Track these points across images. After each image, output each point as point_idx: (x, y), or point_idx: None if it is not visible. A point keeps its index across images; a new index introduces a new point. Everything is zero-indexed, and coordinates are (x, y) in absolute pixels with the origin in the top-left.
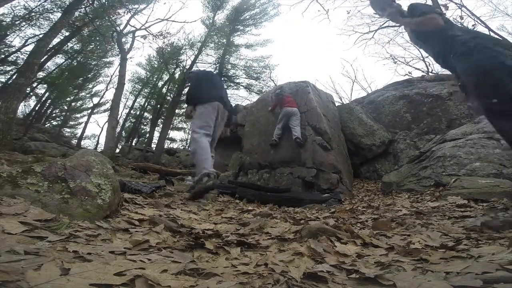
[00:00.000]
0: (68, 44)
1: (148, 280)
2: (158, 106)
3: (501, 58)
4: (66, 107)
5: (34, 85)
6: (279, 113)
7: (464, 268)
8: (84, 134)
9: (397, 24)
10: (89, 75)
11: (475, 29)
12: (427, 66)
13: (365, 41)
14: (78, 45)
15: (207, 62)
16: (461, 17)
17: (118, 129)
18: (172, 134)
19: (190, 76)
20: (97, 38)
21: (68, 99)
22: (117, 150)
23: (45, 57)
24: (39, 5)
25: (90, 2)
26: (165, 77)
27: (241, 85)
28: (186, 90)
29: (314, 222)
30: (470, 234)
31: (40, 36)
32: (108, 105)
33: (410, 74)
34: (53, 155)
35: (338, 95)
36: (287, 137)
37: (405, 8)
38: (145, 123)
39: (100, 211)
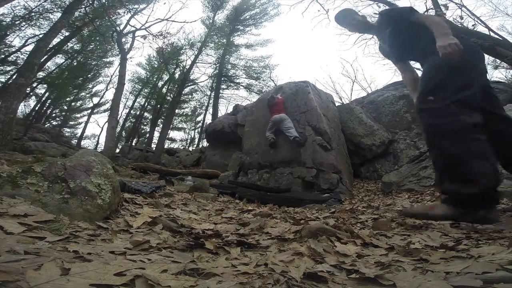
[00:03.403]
0: (68, 44)
1: (148, 280)
2: (158, 106)
3: None
4: (66, 107)
5: (34, 85)
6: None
7: (464, 268)
8: (84, 134)
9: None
10: (89, 75)
11: (475, 29)
12: None
13: (365, 41)
14: (78, 45)
15: (207, 62)
16: (461, 17)
17: (118, 129)
18: (172, 134)
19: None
20: (97, 38)
21: (68, 99)
22: (117, 150)
23: (45, 57)
24: (39, 5)
25: (90, 2)
26: (165, 77)
27: (241, 85)
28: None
29: (314, 222)
30: (470, 234)
31: (40, 36)
32: (108, 105)
33: None
34: (53, 155)
35: (338, 95)
36: (287, 137)
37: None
38: (145, 123)
39: (100, 211)
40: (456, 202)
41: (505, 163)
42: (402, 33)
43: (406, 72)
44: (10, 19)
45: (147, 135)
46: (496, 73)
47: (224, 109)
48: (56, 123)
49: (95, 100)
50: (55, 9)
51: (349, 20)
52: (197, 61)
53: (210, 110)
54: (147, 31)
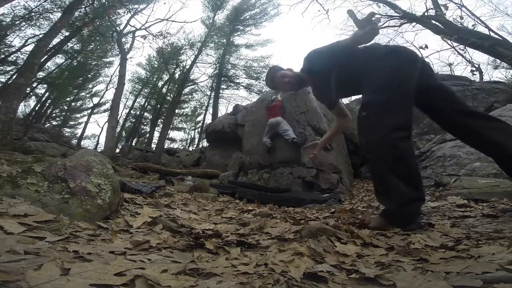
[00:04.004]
0: (68, 44)
1: (148, 280)
2: (158, 106)
3: None
4: (66, 107)
5: (34, 85)
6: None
7: (464, 268)
8: (84, 134)
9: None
10: (89, 75)
11: (475, 29)
12: None
13: None
14: (78, 45)
15: (207, 62)
16: (461, 17)
17: (118, 129)
18: (172, 134)
19: None
20: (97, 38)
21: (68, 99)
22: (117, 150)
23: (45, 57)
24: (39, 5)
25: (90, 2)
26: (165, 77)
27: (241, 85)
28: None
29: (314, 222)
30: (470, 234)
31: (40, 36)
32: (108, 105)
33: None
34: (53, 155)
35: None
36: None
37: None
38: (145, 123)
39: (100, 211)
40: (383, 214)
41: (497, 157)
42: (341, 69)
43: (339, 116)
44: (10, 19)
45: (147, 135)
46: (496, 73)
47: (224, 109)
48: (56, 123)
49: (95, 100)
50: (55, 9)
51: (280, 78)
52: (197, 61)
53: (210, 110)
54: (147, 31)
